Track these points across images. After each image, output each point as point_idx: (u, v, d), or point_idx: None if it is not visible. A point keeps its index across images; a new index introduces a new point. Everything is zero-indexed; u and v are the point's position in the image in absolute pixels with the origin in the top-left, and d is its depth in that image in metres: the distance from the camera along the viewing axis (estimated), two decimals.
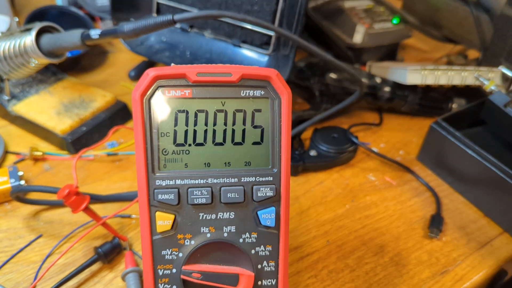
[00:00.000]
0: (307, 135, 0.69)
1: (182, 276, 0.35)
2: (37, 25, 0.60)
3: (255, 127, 0.36)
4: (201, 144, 0.36)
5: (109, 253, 0.49)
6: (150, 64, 0.81)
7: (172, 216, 0.35)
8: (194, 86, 0.35)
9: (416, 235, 0.56)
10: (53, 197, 0.55)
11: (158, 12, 0.71)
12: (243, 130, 0.36)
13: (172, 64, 0.36)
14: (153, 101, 0.34)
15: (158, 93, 0.35)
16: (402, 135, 0.74)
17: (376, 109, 0.78)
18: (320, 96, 0.72)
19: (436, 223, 0.57)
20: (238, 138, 0.36)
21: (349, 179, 0.64)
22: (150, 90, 0.34)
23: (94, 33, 0.55)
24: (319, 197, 0.60)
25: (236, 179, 0.36)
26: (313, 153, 0.64)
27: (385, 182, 0.64)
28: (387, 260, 0.52)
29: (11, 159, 0.62)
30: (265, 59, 0.65)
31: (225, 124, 0.36)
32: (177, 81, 0.35)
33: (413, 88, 0.74)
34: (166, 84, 0.35)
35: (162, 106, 0.35)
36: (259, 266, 0.36)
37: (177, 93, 0.35)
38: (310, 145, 0.66)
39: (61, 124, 0.63)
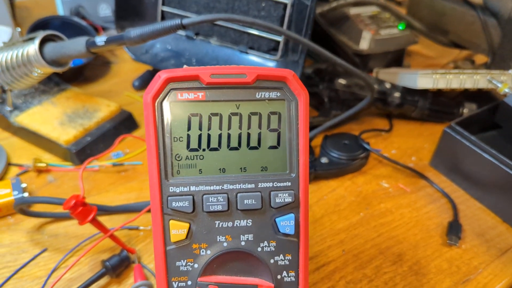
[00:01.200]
0: (317, 142, 0.67)
1: None
2: (41, 34, 0.58)
3: (271, 130, 0.34)
4: (215, 149, 0.34)
5: (117, 267, 0.47)
6: (154, 73, 0.80)
7: (187, 225, 0.33)
8: (208, 89, 0.33)
9: (434, 243, 0.54)
10: (58, 209, 0.53)
11: (163, 20, 0.70)
12: (259, 134, 0.34)
13: (185, 66, 0.34)
14: (165, 104, 0.33)
15: (171, 96, 0.33)
16: (413, 141, 0.72)
17: (386, 115, 0.77)
18: (329, 102, 0.70)
19: (454, 230, 0.55)
20: (253, 142, 0.34)
21: (362, 186, 0.62)
22: (162, 93, 0.33)
23: (100, 40, 0.54)
24: (332, 205, 0.58)
25: (253, 184, 0.34)
26: (324, 160, 0.62)
27: (398, 189, 0.62)
28: (406, 269, 0.50)
29: (14, 171, 0.60)
30: (273, 65, 0.64)
31: (240, 127, 0.34)
32: (190, 84, 0.33)
33: (423, 93, 0.72)
34: (179, 86, 0.33)
35: (174, 110, 0.33)
36: (279, 277, 0.34)
37: (190, 96, 0.33)
38: (320, 152, 0.64)
39: (64, 135, 0.62)
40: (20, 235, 0.51)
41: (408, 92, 0.72)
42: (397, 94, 0.72)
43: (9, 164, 0.61)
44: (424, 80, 0.66)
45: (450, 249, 0.53)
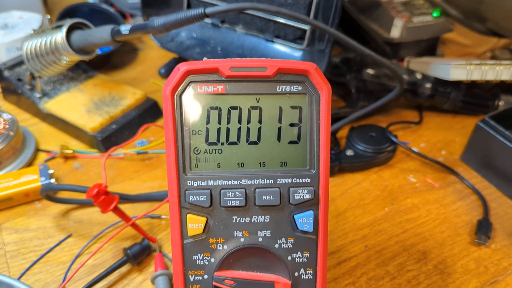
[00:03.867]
0: (342, 134, 0.66)
1: (214, 283, 0.33)
2: (68, 22, 0.59)
3: (291, 125, 0.34)
4: (234, 143, 0.33)
5: (139, 255, 0.47)
6: (180, 61, 0.80)
7: (204, 219, 0.33)
8: (227, 82, 0.33)
9: (462, 242, 0.52)
10: (82, 196, 0.54)
11: (189, 7, 0.69)
12: (279, 129, 0.34)
13: (205, 58, 0.34)
14: (184, 97, 0.32)
15: (190, 89, 0.33)
16: (444, 135, 0.70)
17: (416, 107, 0.75)
18: (357, 93, 0.69)
19: (483, 229, 0.53)
20: (273, 137, 0.34)
21: (388, 180, 0.60)
22: (182, 85, 0.32)
23: (124, 28, 0.54)
24: (357, 199, 0.57)
25: (272, 180, 0.33)
26: (349, 152, 0.61)
27: (426, 184, 0.60)
28: (431, 268, 0.49)
29: (42, 157, 0.62)
30: (299, 54, 0.63)
31: (260, 122, 0.33)
32: (210, 76, 0.33)
33: (456, 84, 0.69)
34: (198, 79, 0.33)
35: (193, 103, 0.33)
36: (296, 274, 0.34)
37: (209, 89, 0.33)
38: (346, 144, 0.63)
39: (91, 122, 0.63)
40: (47, 220, 0.53)
41: (440, 83, 0.69)
42: (428, 85, 0.69)
43: (37, 150, 0.63)
44: (457, 71, 0.63)
45: (478, 249, 0.51)
